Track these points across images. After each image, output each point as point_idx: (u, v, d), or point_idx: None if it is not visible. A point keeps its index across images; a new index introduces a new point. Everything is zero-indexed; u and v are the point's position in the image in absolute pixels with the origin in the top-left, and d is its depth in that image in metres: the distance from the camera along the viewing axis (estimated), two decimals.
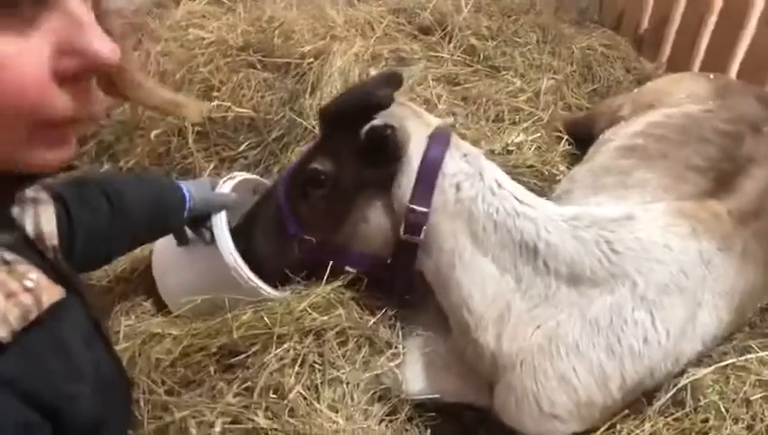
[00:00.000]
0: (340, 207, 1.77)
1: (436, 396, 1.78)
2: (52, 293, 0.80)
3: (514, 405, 1.66)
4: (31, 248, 0.94)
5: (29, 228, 0.98)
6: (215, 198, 1.85)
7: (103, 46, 0.72)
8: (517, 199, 1.68)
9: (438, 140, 1.71)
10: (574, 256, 1.61)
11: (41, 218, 1.00)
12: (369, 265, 1.80)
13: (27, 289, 0.76)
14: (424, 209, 1.66)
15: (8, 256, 0.77)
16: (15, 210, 0.97)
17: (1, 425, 0.71)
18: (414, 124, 1.73)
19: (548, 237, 1.63)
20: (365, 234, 1.77)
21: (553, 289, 1.62)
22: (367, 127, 1.65)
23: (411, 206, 1.66)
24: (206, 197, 1.82)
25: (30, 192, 1.00)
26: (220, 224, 1.83)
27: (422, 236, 1.67)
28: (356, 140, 1.67)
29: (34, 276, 0.78)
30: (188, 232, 1.88)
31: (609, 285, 1.61)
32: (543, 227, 1.64)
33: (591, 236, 1.64)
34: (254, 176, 2.16)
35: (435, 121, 1.80)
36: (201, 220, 1.84)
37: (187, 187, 1.78)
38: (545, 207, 1.70)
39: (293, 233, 1.83)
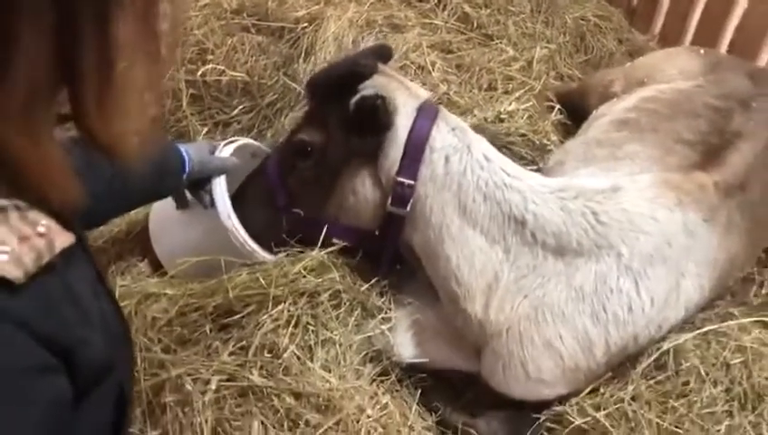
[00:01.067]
0: (327, 178, 1.78)
1: (426, 361, 1.83)
2: (63, 238, 0.81)
3: (502, 371, 1.71)
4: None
5: None
6: (214, 161, 1.86)
7: None
8: (505, 172, 1.70)
9: (426, 113, 1.72)
10: (561, 227, 1.65)
11: None
12: (357, 237, 1.82)
13: (40, 234, 0.77)
14: (411, 182, 1.68)
15: (20, 202, 0.78)
16: None
17: (20, 365, 0.72)
18: (402, 96, 1.74)
19: (535, 209, 1.66)
20: (352, 206, 1.78)
21: (540, 259, 1.66)
22: (357, 96, 1.66)
23: (398, 178, 1.68)
24: (205, 160, 1.83)
25: None
26: (219, 187, 1.85)
27: (408, 208, 1.70)
28: (344, 111, 1.68)
29: (46, 222, 0.79)
30: (187, 195, 1.90)
31: (595, 255, 1.65)
32: (531, 199, 1.67)
33: (578, 207, 1.67)
34: (254, 141, 2.17)
35: (423, 94, 1.81)
36: (200, 184, 1.85)
37: (187, 150, 1.78)
38: (533, 180, 1.73)
39: (282, 206, 1.84)
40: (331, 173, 1.78)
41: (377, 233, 1.78)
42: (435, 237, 1.70)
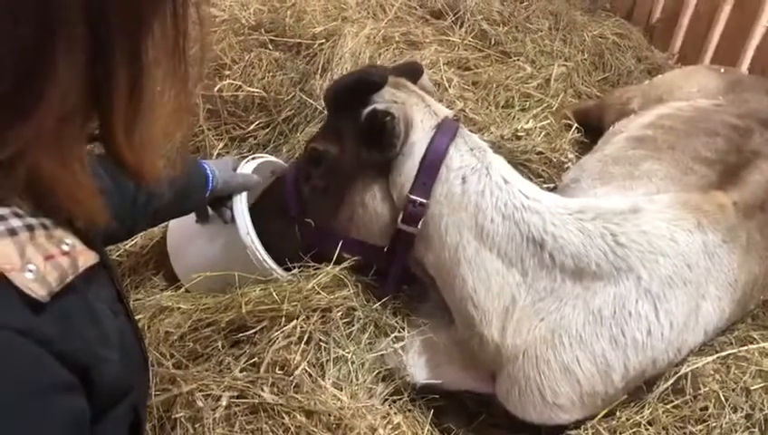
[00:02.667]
0: (337, 189, 1.78)
1: (439, 382, 1.80)
2: (87, 257, 0.81)
3: (518, 395, 1.67)
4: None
5: None
6: (237, 178, 1.88)
7: None
8: (524, 194, 1.68)
9: (445, 132, 1.71)
10: (580, 249, 1.62)
11: None
12: (366, 252, 1.80)
13: (64, 253, 0.77)
14: (423, 200, 1.66)
15: (47, 221, 0.78)
16: None
17: (42, 384, 0.72)
18: (420, 114, 1.73)
19: (554, 230, 1.63)
20: (362, 219, 1.77)
21: (558, 282, 1.63)
22: (369, 108, 1.65)
23: (411, 196, 1.67)
24: (229, 177, 1.85)
25: None
26: (240, 204, 1.86)
27: (420, 226, 1.68)
28: (357, 121, 1.68)
29: (70, 241, 0.79)
30: (208, 209, 1.92)
31: (614, 278, 1.62)
32: (550, 220, 1.64)
33: (596, 228, 1.64)
34: (276, 158, 2.19)
35: (443, 112, 1.80)
36: (222, 199, 1.87)
37: (211, 167, 1.81)
38: (551, 201, 1.71)
39: (294, 215, 1.85)
40: (341, 184, 1.77)
41: (386, 249, 1.77)
42: (450, 258, 1.68)
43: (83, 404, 0.79)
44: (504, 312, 1.65)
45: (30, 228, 0.75)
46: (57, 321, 0.75)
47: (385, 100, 1.70)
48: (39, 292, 0.72)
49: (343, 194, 1.77)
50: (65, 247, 0.78)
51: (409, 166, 1.69)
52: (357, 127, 1.69)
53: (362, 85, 1.69)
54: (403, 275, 1.83)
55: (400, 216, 1.69)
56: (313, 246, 1.84)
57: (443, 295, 1.78)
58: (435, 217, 1.68)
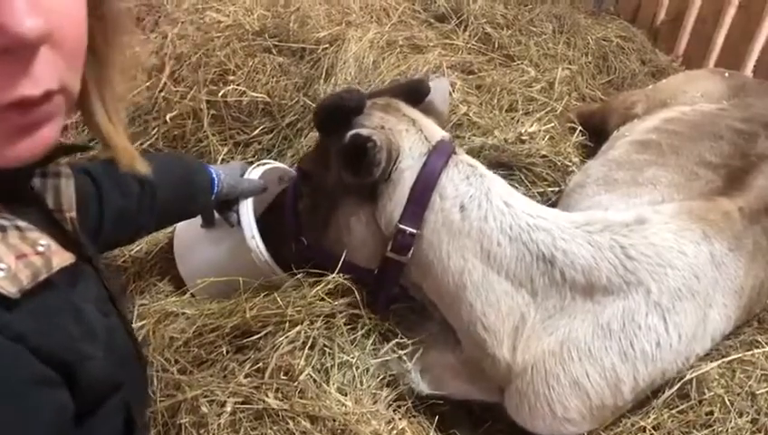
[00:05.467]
0: (324, 211, 1.78)
1: (445, 394, 1.80)
2: (62, 257, 0.82)
3: (527, 409, 1.66)
4: (49, 219, 0.98)
5: (49, 200, 1.01)
6: (243, 183, 1.90)
7: (23, 21, 0.64)
8: (529, 214, 1.66)
9: (436, 159, 1.67)
10: (591, 262, 1.60)
11: (61, 191, 1.03)
12: (356, 273, 1.78)
13: (38, 253, 0.79)
14: (414, 230, 1.64)
15: (21, 223, 0.80)
16: (37, 182, 0.99)
17: (17, 379, 0.73)
18: (409, 140, 1.70)
19: (564, 245, 1.62)
20: (348, 243, 1.76)
21: (568, 299, 1.62)
22: (352, 132, 1.63)
23: (401, 226, 1.64)
24: (235, 182, 1.87)
25: (52, 166, 1.02)
26: (245, 208, 1.87)
27: (410, 255, 1.66)
28: (340, 144, 1.66)
29: (45, 242, 0.81)
30: (215, 214, 1.93)
31: (624, 292, 1.61)
32: (559, 235, 1.63)
33: (605, 240, 1.63)
34: (283, 165, 2.20)
35: (437, 136, 1.75)
36: (228, 203, 1.89)
37: (217, 171, 1.82)
38: (557, 216, 1.70)
39: (290, 231, 1.85)
40: (328, 205, 1.77)
41: (376, 272, 1.75)
42: (454, 283, 1.66)
43: (65, 398, 0.80)
44: (513, 331, 1.64)
45: (2, 229, 0.77)
46: (32, 317, 0.76)
47: (372, 124, 1.68)
48: (9, 289, 0.73)
49: (330, 215, 1.77)
50: (40, 248, 0.79)
51: (398, 194, 1.66)
52: (338, 150, 1.67)
53: (340, 109, 1.67)
54: (395, 296, 1.82)
55: (389, 244, 1.67)
56: (308, 263, 1.82)
57: (447, 318, 1.76)
58: (433, 245, 1.66)
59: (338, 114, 1.68)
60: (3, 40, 0.65)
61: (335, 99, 1.71)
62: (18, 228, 0.79)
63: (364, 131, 1.63)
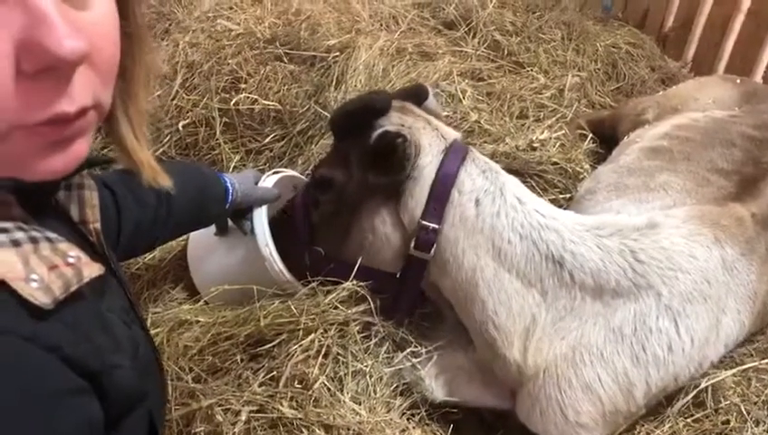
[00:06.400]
0: (346, 215, 1.76)
1: (458, 400, 1.80)
2: (92, 268, 0.83)
3: (539, 414, 1.66)
4: (74, 231, 1.00)
5: (73, 212, 1.02)
6: (257, 192, 1.90)
7: (64, 43, 0.65)
8: (540, 213, 1.67)
9: (454, 155, 1.69)
10: (599, 265, 1.60)
11: (85, 203, 1.04)
12: (378, 280, 1.77)
13: (69, 264, 0.79)
14: (435, 226, 1.65)
15: (51, 235, 0.81)
16: (62, 194, 1.01)
17: (51, 389, 0.73)
18: (428, 138, 1.71)
19: (573, 248, 1.62)
20: (372, 246, 1.75)
21: (578, 301, 1.62)
22: (379, 130, 1.64)
23: (423, 222, 1.65)
24: (249, 191, 1.87)
25: (76, 178, 1.04)
26: (260, 217, 1.87)
27: (432, 253, 1.67)
28: (364, 146, 1.66)
29: (75, 253, 0.81)
30: (228, 222, 1.94)
31: (634, 295, 1.61)
32: (569, 237, 1.63)
33: (615, 244, 1.63)
34: (296, 173, 2.20)
35: (452, 135, 1.77)
36: (242, 211, 1.89)
37: (231, 180, 1.82)
38: (568, 218, 1.70)
39: (303, 242, 1.84)
40: (350, 210, 1.76)
41: (398, 275, 1.75)
42: (468, 281, 1.66)
43: (96, 408, 0.80)
44: (524, 332, 1.64)
45: (34, 241, 0.77)
46: (65, 327, 0.77)
47: (393, 123, 1.69)
48: (42, 299, 0.73)
49: (352, 220, 1.76)
50: (70, 259, 0.80)
51: (419, 191, 1.67)
52: (364, 151, 1.67)
53: (366, 111, 1.68)
54: (415, 299, 1.82)
55: (412, 242, 1.67)
56: (323, 274, 1.81)
57: (461, 318, 1.76)
58: (450, 242, 1.66)
59: (363, 116, 1.69)
60: (45, 61, 0.66)
61: (363, 100, 1.72)
62: (49, 240, 0.79)
63: (392, 128, 1.64)
